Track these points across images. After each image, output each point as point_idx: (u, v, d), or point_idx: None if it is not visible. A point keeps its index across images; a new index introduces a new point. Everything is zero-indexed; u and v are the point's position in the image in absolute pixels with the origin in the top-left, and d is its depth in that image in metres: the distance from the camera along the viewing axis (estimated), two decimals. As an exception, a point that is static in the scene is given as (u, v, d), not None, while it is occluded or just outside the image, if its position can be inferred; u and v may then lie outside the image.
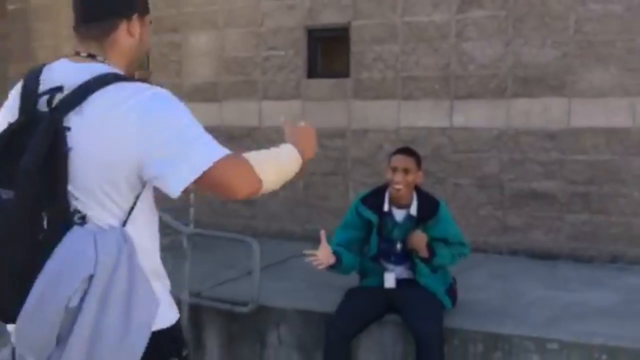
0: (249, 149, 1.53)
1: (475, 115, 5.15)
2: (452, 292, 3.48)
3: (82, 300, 1.33)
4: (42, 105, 1.39)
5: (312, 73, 5.76)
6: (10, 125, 1.38)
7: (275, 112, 5.80)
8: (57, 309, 1.31)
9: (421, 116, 5.30)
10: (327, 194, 5.61)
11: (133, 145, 1.36)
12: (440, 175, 5.22)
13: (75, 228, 1.36)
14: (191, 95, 6.12)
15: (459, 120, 5.21)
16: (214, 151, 1.40)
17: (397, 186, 3.24)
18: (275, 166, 1.57)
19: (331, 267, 3.16)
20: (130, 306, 1.37)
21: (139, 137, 1.36)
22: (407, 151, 3.35)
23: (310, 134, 1.77)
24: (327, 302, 3.50)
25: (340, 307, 3.29)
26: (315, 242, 3.48)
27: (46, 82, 1.42)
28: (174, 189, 1.37)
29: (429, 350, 3.06)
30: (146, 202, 1.49)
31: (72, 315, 1.33)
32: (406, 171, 3.25)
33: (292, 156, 1.65)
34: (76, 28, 1.50)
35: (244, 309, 3.65)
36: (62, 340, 1.35)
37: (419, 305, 3.21)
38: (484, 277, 4.31)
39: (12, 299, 1.35)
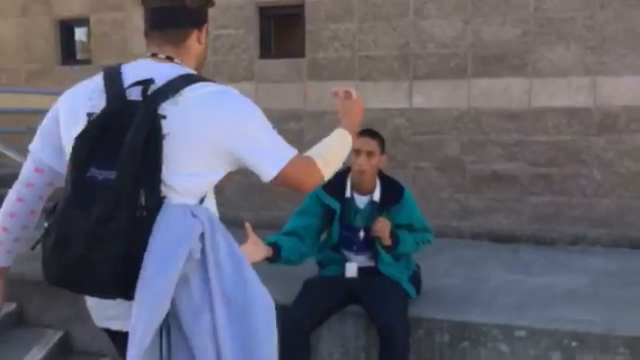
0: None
1: (435, 95, 5.00)
2: (415, 279, 3.31)
3: (202, 252, 1.49)
4: (133, 95, 1.48)
5: (265, 53, 5.50)
6: (104, 111, 1.46)
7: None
8: (180, 263, 1.44)
9: (380, 97, 5.12)
10: (283, 179, 5.38)
11: (225, 136, 1.51)
12: (400, 158, 5.06)
13: (167, 204, 1.46)
14: (137, 77, 5.77)
15: (418, 101, 5.05)
16: (289, 149, 1.62)
17: (361, 169, 3.03)
18: (332, 156, 1.76)
19: (269, 260, 2.89)
20: (238, 262, 1.57)
21: (232, 130, 1.52)
22: (370, 133, 3.14)
23: (361, 106, 1.97)
24: (284, 293, 3.27)
25: (298, 298, 3.08)
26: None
27: (131, 77, 1.51)
28: (268, 176, 1.58)
29: (394, 343, 2.88)
30: (213, 189, 1.65)
31: (198, 265, 1.49)
32: (370, 154, 3.04)
33: (344, 140, 1.86)
34: (150, 33, 1.63)
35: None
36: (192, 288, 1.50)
37: (382, 295, 3.03)
38: (447, 262, 4.18)
39: (117, 274, 1.41)
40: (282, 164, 1.58)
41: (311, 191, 1.69)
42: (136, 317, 1.43)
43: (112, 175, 1.39)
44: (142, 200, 1.41)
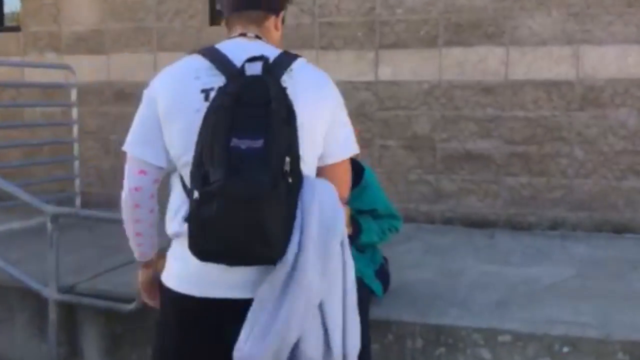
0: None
1: (404, 67, 4.60)
2: (382, 274, 2.88)
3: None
4: (250, 71, 1.52)
5: (215, 19, 4.99)
6: (231, 86, 1.50)
7: (173, 65, 4.99)
8: (337, 245, 1.56)
9: (343, 69, 4.69)
10: (236, 160, 4.91)
11: (328, 114, 1.62)
12: (365, 136, 4.64)
13: (310, 178, 1.56)
14: (72, 46, 5.24)
15: (385, 72, 4.63)
16: (356, 145, 1.72)
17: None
18: None
19: None
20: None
21: (331, 109, 1.62)
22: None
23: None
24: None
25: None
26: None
27: (234, 55, 1.56)
28: (334, 158, 1.65)
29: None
30: None
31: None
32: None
33: None
34: (231, 17, 1.70)
35: (129, 307, 2.96)
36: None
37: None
38: (417, 252, 3.77)
39: (280, 239, 1.48)
40: (349, 154, 1.68)
41: (345, 196, 1.72)
42: (295, 300, 1.49)
43: (255, 144, 1.44)
44: (288, 167, 1.46)
